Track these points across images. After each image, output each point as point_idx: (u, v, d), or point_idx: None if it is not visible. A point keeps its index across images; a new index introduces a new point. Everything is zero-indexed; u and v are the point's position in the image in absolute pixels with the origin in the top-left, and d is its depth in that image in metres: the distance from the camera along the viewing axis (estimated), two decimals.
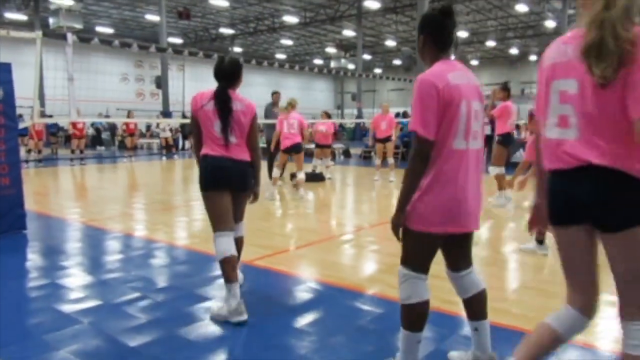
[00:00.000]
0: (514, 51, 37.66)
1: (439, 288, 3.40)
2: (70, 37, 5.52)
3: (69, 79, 5.70)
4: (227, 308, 3.04)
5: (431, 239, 2.17)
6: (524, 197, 8.39)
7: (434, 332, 2.90)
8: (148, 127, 26.43)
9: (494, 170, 7.25)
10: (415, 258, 2.22)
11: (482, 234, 5.74)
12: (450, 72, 2.13)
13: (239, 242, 3.44)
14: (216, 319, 3.09)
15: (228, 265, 3.12)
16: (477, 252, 4.80)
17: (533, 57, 38.24)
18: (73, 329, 2.97)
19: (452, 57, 2.27)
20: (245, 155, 3.27)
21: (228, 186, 3.22)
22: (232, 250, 3.17)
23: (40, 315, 3.22)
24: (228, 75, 3.23)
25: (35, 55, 5.45)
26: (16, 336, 2.87)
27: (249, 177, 3.33)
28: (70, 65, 5.60)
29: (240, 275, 3.49)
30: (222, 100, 3.17)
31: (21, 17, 25.30)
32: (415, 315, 2.24)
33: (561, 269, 1.94)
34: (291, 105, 8.30)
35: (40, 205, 7.44)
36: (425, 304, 2.23)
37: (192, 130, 3.32)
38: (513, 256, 4.77)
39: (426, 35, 2.24)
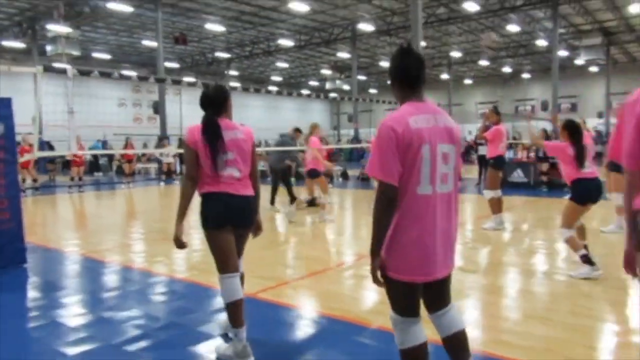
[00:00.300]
0: (507, 70, 38.09)
1: None
2: (71, 70, 5.55)
3: (69, 112, 5.72)
4: (233, 349, 2.99)
5: (407, 285, 2.16)
6: (523, 219, 8.42)
7: None
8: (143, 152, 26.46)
9: (488, 194, 7.27)
10: (400, 304, 2.21)
11: (481, 260, 5.73)
12: (414, 115, 2.11)
13: (240, 279, 3.34)
14: (222, 359, 3.05)
15: (236, 309, 3.01)
16: (478, 279, 4.80)
17: (526, 75, 38.70)
18: None
19: (424, 96, 2.25)
20: (249, 190, 3.14)
21: (232, 223, 3.08)
22: (240, 293, 3.06)
23: (41, 358, 3.17)
24: (214, 102, 3.09)
25: (35, 87, 5.48)
26: None
27: (253, 213, 3.21)
28: (71, 99, 5.62)
29: None
30: (211, 128, 3.00)
31: (19, 44, 25.49)
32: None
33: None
34: (314, 130, 8.52)
35: (40, 236, 7.39)
36: (421, 347, 2.20)
37: (187, 162, 3.05)
38: (514, 284, 4.76)
39: (392, 78, 2.25)
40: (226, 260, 3.06)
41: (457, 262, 5.46)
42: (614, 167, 6.26)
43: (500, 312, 3.92)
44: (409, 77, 2.21)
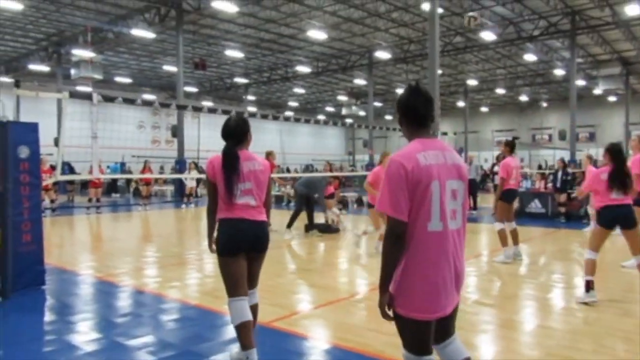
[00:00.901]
0: (523, 98, 38.04)
1: None
2: (96, 97, 5.70)
3: (93, 136, 5.85)
4: None
5: (420, 324, 2.14)
6: (540, 251, 8.28)
7: None
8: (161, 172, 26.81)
9: (497, 225, 7.20)
10: (414, 342, 2.19)
11: (497, 294, 5.65)
12: (422, 152, 2.14)
13: (253, 310, 3.31)
14: None
15: (245, 331, 3.06)
16: (495, 313, 4.73)
17: (543, 104, 38.56)
18: None
19: (431, 133, 2.31)
20: (263, 216, 3.25)
21: (245, 248, 3.18)
22: (248, 315, 3.11)
23: None
24: (235, 133, 3.19)
25: (57, 110, 5.61)
26: None
27: (267, 238, 3.29)
28: (95, 124, 5.76)
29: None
30: (230, 160, 3.11)
31: (44, 68, 26.23)
32: None
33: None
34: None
35: (58, 258, 7.48)
36: None
37: (209, 195, 3.26)
38: (533, 319, 4.67)
39: (401, 115, 2.29)
40: (236, 285, 3.14)
41: (473, 294, 5.41)
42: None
43: (520, 349, 3.84)
44: (417, 116, 2.25)
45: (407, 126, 2.28)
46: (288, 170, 29.46)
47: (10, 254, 5.13)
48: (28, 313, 4.77)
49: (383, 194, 2.12)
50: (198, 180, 18.74)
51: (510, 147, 7.36)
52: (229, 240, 3.13)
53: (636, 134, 8.12)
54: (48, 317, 4.78)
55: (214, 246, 3.30)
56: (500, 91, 35.07)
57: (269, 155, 9.33)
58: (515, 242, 7.19)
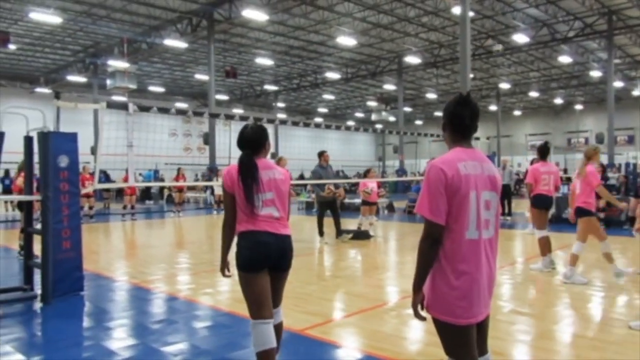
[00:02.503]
0: (558, 101, 37.16)
1: None
2: (132, 106, 5.84)
3: (129, 145, 5.99)
4: None
5: (456, 328, 2.17)
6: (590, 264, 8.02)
7: None
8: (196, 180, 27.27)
9: (537, 233, 7.02)
10: (455, 348, 2.21)
11: (533, 303, 5.49)
12: (463, 161, 2.19)
13: (278, 329, 3.12)
14: None
15: (267, 359, 2.87)
16: (531, 322, 4.60)
17: (579, 107, 37.57)
18: None
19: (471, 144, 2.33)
20: (287, 230, 3.04)
21: (269, 264, 2.97)
22: (272, 342, 2.90)
23: None
24: (252, 143, 3.02)
25: (93, 119, 5.77)
26: None
27: (291, 255, 3.09)
28: (131, 134, 5.90)
29: None
30: (248, 168, 2.94)
31: (81, 79, 27.11)
32: None
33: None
34: None
35: (95, 264, 7.67)
36: None
37: (225, 207, 3.05)
38: (570, 329, 4.51)
39: (445, 123, 2.33)
40: (260, 305, 2.92)
41: (509, 303, 5.28)
42: None
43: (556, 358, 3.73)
44: (461, 126, 2.29)
45: (450, 134, 2.32)
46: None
47: (51, 261, 5.29)
48: (67, 318, 4.90)
49: (422, 197, 2.18)
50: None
51: (540, 152, 7.16)
52: (252, 255, 2.92)
53: None
54: (86, 322, 4.89)
55: (226, 270, 3.13)
56: (533, 94, 34.38)
57: (280, 161, 9.14)
58: (549, 251, 6.98)
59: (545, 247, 6.91)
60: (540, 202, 7.04)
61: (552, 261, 6.96)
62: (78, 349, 4.05)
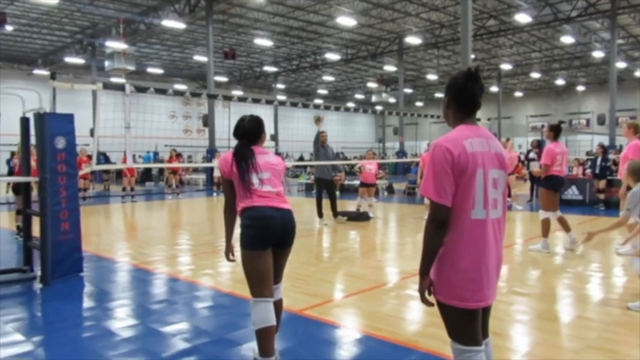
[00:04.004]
0: (560, 82, 36.87)
1: (498, 348, 3.26)
2: (129, 87, 5.78)
3: (126, 127, 5.94)
4: None
5: (462, 312, 2.11)
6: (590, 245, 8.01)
7: None
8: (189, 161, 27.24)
9: (542, 214, 6.98)
10: (459, 331, 2.15)
11: (533, 284, 5.51)
12: (469, 138, 2.10)
13: (278, 306, 3.16)
14: None
15: (266, 337, 2.89)
16: (531, 304, 4.61)
17: (580, 88, 37.31)
18: None
19: (476, 121, 2.25)
20: (288, 205, 3.10)
21: (273, 241, 3.00)
22: (272, 320, 2.93)
23: None
24: (249, 133, 3.14)
25: (92, 101, 5.73)
26: None
27: (294, 231, 3.12)
28: (128, 115, 5.84)
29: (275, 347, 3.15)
30: (243, 151, 3.07)
31: (79, 60, 26.86)
32: None
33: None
34: None
35: (95, 246, 7.69)
36: None
37: (225, 194, 3.15)
38: (571, 310, 4.53)
39: (450, 99, 2.22)
40: (262, 283, 2.95)
41: (509, 284, 5.28)
42: None
43: (558, 341, 3.73)
44: (469, 102, 2.19)
45: (456, 111, 2.22)
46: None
47: (50, 242, 5.28)
48: (67, 299, 4.91)
49: (427, 178, 2.09)
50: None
51: (555, 132, 7.03)
52: (257, 232, 2.94)
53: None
54: (86, 303, 4.91)
55: (231, 255, 3.20)
56: (535, 75, 34.09)
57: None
58: (567, 229, 6.94)
59: (547, 229, 6.88)
60: (555, 183, 6.94)
61: (575, 240, 6.90)
62: (78, 329, 4.06)
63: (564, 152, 6.98)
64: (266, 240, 2.97)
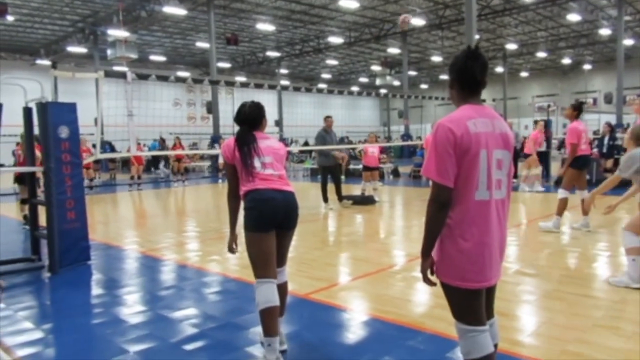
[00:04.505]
0: (566, 61, 36.43)
1: (504, 328, 3.26)
2: (130, 75, 5.76)
3: (129, 114, 5.93)
4: None
5: (469, 292, 2.12)
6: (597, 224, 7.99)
7: None
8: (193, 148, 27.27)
9: (561, 193, 6.91)
10: (463, 311, 2.16)
11: (540, 263, 5.50)
12: (472, 119, 2.07)
13: (282, 289, 3.18)
14: None
15: (270, 317, 2.89)
16: (537, 283, 4.60)
17: (587, 67, 36.85)
18: None
19: (481, 100, 2.22)
20: (290, 187, 3.11)
21: (276, 223, 3.01)
22: (275, 300, 2.94)
23: (106, 355, 3.29)
24: (250, 119, 3.17)
25: (96, 90, 5.72)
26: None
27: (297, 213, 3.14)
28: (130, 102, 5.83)
29: (281, 330, 3.19)
30: (245, 136, 3.10)
31: (81, 49, 26.79)
32: None
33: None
34: None
35: (102, 234, 7.74)
36: (488, 358, 2.13)
37: (228, 179, 3.18)
38: (577, 289, 4.51)
39: (453, 78, 2.19)
40: (265, 265, 2.97)
41: (515, 264, 5.29)
42: None
43: (564, 320, 3.73)
44: (472, 81, 2.15)
45: (459, 91, 2.19)
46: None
47: (57, 231, 5.32)
48: (76, 287, 4.96)
49: (429, 158, 2.07)
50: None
51: (577, 110, 6.94)
52: (260, 214, 2.95)
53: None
54: (95, 291, 4.95)
55: (234, 245, 3.22)
56: (541, 55, 33.69)
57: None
58: (585, 212, 6.91)
59: (563, 209, 6.82)
60: (582, 163, 6.88)
61: (587, 224, 6.86)
62: (87, 316, 4.10)
63: (586, 130, 6.95)
64: (269, 222, 2.98)
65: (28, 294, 4.78)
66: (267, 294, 2.92)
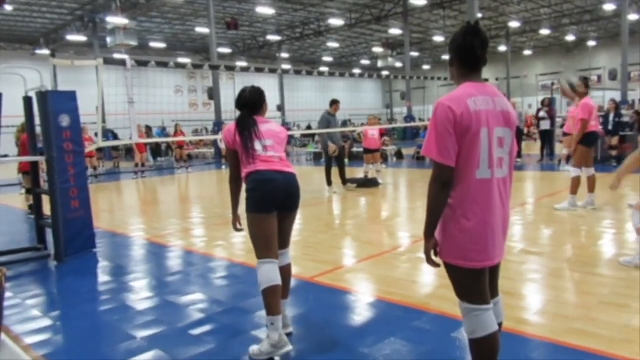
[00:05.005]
0: (570, 38, 35.95)
1: (510, 307, 3.27)
2: (129, 62, 5.72)
3: (130, 102, 5.90)
4: (269, 341, 2.87)
5: (471, 272, 2.11)
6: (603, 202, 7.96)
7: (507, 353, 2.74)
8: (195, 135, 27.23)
9: (573, 171, 6.86)
10: (466, 291, 2.16)
11: (545, 242, 5.49)
12: (472, 97, 2.04)
13: (285, 272, 3.18)
14: (259, 358, 2.89)
15: (272, 296, 2.91)
16: (542, 262, 4.60)
17: (591, 43, 36.38)
18: (148, 356, 3.04)
19: (482, 78, 2.18)
20: (291, 169, 3.12)
21: (278, 204, 3.02)
22: (277, 280, 2.95)
23: (113, 341, 3.32)
24: (250, 104, 3.19)
25: (96, 78, 5.69)
26: None
27: (298, 195, 3.14)
28: (131, 89, 5.80)
29: (286, 313, 3.24)
30: (246, 120, 3.13)
31: (81, 38, 26.63)
32: (483, 350, 2.16)
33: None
34: None
35: (108, 222, 7.77)
36: (492, 337, 2.13)
37: (230, 164, 3.23)
38: (583, 267, 4.50)
39: (453, 56, 2.16)
40: (267, 246, 3.00)
41: (520, 244, 5.28)
42: None
43: (570, 298, 3.73)
44: (472, 58, 2.12)
45: (459, 68, 2.16)
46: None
47: (61, 220, 5.34)
48: (82, 275, 4.99)
49: (430, 138, 2.05)
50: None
51: (587, 86, 6.85)
52: (261, 195, 2.97)
53: None
54: (101, 278, 4.98)
55: (238, 224, 3.28)
56: (544, 32, 33.23)
57: None
58: (591, 190, 6.84)
59: (577, 187, 6.78)
60: (592, 140, 6.80)
61: (592, 202, 6.84)
62: (95, 303, 4.13)
63: (596, 107, 6.86)
64: (270, 203, 3.00)
65: (35, 283, 4.81)
66: (269, 274, 2.94)
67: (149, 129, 18.29)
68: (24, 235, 6.98)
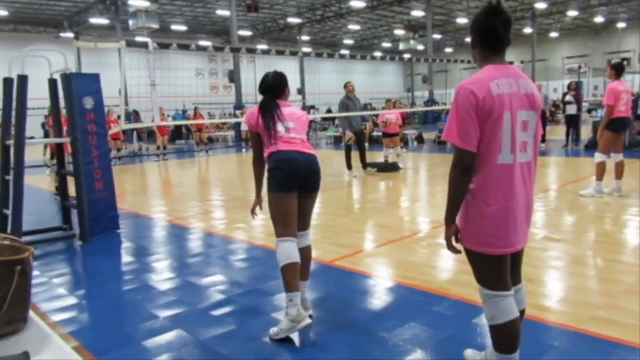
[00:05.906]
0: (599, 20, 34.88)
1: (531, 294, 3.23)
2: (152, 44, 5.74)
3: (152, 84, 5.94)
4: (288, 316, 2.91)
5: (492, 258, 2.08)
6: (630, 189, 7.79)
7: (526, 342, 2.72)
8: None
9: (598, 157, 6.70)
10: (487, 277, 2.13)
11: (569, 229, 5.39)
12: (495, 79, 1.98)
13: (306, 253, 3.21)
14: (279, 337, 2.93)
15: (291, 273, 2.95)
16: (566, 249, 4.52)
17: (621, 25, 35.24)
18: (171, 335, 3.10)
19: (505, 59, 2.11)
20: (312, 150, 3.17)
21: (299, 184, 3.06)
22: (297, 257, 3.00)
23: (137, 320, 3.39)
24: (273, 89, 3.24)
25: (119, 61, 5.73)
26: (119, 342, 3.04)
27: (319, 176, 3.17)
28: (153, 72, 5.83)
29: (306, 297, 3.26)
30: (268, 104, 3.18)
31: (103, 21, 26.85)
32: (503, 337, 2.14)
33: None
34: None
35: (131, 204, 7.90)
36: (513, 323, 2.11)
37: (253, 146, 3.28)
38: (608, 255, 4.42)
39: (475, 37, 2.11)
40: (286, 225, 3.04)
41: (542, 230, 5.20)
42: None
43: (594, 286, 3.67)
44: (494, 39, 2.06)
45: (481, 50, 2.11)
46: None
47: (86, 201, 5.44)
48: (106, 255, 5.09)
49: (451, 123, 2.01)
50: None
51: (617, 70, 6.63)
52: (282, 175, 3.03)
53: None
54: (125, 259, 5.08)
55: (258, 209, 3.34)
56: (572, 14, 32.29)
57: None
58: (619, 176, 6.69)
59: (602, 173, 6.62)
60: (619, 125, 6.60)
61: (619, 189, 6.69)
62: (118, 283, 4.22)
63: (628, 91, 6.62)
64: (292, 182, 3.05)
65: (61, 262, 4.93)
66: (287, 251, 3.00)
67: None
68: (50, 215, 7.14)
